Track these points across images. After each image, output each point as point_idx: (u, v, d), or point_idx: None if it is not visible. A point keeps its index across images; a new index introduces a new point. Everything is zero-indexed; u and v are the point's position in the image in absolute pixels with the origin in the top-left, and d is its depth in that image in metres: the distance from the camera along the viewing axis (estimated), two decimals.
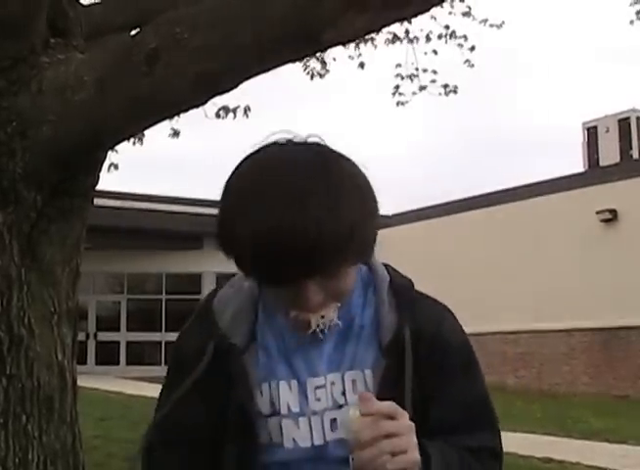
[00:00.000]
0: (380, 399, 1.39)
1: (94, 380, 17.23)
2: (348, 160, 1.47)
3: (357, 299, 1.59)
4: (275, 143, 1.48)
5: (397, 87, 10.19)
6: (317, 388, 1.55)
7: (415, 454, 1.38)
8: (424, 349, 1.54)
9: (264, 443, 1.54)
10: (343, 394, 1.54)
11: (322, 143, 1.48)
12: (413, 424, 1.39)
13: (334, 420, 1.53)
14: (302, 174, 1.39)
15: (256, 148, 1.48)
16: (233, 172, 1.46)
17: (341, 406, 1.53)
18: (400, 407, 1.40)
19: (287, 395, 1.55)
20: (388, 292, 1.59)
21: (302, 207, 1.35)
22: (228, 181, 1.45)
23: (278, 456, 1.54)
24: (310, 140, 1.48)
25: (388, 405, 1.37)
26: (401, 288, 1.61)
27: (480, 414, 1.58)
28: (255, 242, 1.36)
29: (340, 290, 1.48)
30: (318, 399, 1.54)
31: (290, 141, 1.48)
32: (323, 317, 1.47)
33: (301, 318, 1.47)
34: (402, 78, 10.07)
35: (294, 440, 1.54)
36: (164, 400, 1.59)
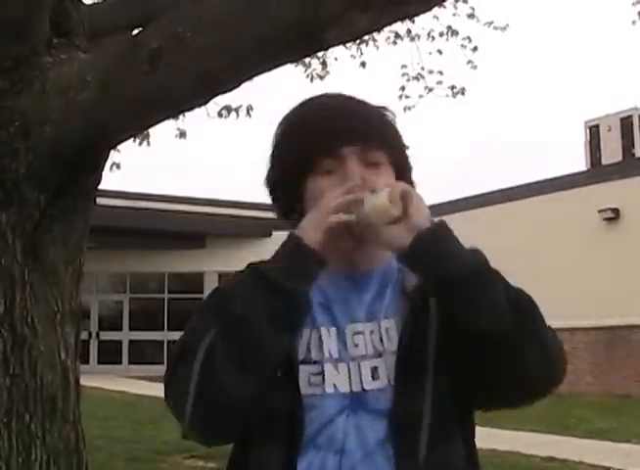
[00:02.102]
0: (405, 341, 1.54)
1: (97, 379, 17.25)
2: None
3: (394, 264, 1.65)
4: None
5: (403, 88, 10.14)
6: (356, 333, 1.60)
7: (404, 184, 1.56)
8: None
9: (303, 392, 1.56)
10: (381, 341, 1.59)
11: None
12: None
13: (375, 369, 1.57)
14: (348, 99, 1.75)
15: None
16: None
17: (380, 355, 1.58)
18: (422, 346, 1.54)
19: (327, 341, 1.59)
20: None
21: (349, 104, 1.72)
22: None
23: (318, 406, 1.55)
24: None
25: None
26: None
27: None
28: (316, 119, 1.67)
29: (377, 180, 1.62)
30: (356, 345, 1.59)
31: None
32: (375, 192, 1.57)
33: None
34: (408, 80, 10.00)
35: (334, 385, 1.57)
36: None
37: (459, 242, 1.51)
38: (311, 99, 1.75)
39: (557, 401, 17.73)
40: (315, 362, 1.58)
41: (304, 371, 1.57)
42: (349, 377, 1.57)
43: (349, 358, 1.58)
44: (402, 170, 1.71)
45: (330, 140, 1.62)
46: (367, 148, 1.64)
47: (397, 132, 1.76)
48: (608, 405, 16.05)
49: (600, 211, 19.43)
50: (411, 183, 1.70)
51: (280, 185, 1.70)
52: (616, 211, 19.28)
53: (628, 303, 17.98)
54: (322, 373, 1.58)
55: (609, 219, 19.42)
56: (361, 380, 1.57)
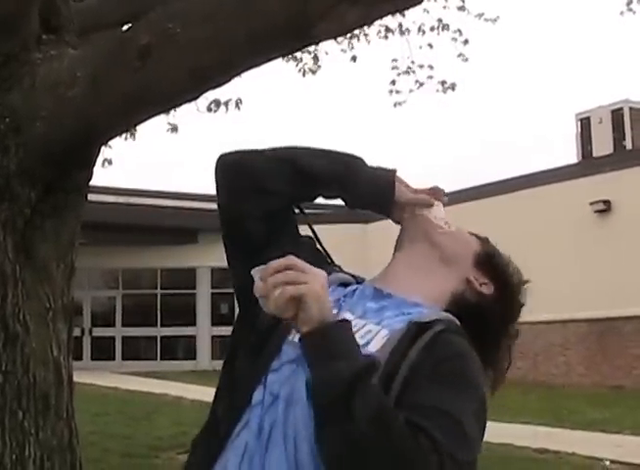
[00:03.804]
0: (389, 356, 1.53)
1: (90, 376, 17.22)
2: None
3: (424, 309, 1.69)
4: None
5: (394, 82, 10.13)
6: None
7: (315, 286, 1.46)
8: (440, 346, 1.58)
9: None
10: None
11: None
12: (323, 273, 1.50)
13: None
14: None
15: None
16: None
17: None
18: (392, 372, 1.51)
19: None
20: (447, 317, 1.68)
21: None
22: None
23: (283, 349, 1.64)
24: None
25: (286, 259, 1.49)
26: (458, 327, 1.68)
27: (438, 420, 1.47)
28: None
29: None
30: None
31: None
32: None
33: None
34: (399, 74, 10.01)
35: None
36: None
37: (337, 355, 1.46)
38: None
39: (549, 393, 17.82)
40: None
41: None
42: None
43: None
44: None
45: None
46: None
47: None
48: (600, 397, 16.11)
49: (591, 204, 19.45)
50: None
51: None
52: (607, 203, 19.30)
53: (620, 294, 18.02)
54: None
55: (600, 211, 19.44)
56: None
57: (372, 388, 1.44)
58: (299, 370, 1.58)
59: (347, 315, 1.64)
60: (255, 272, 1.50)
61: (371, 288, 1.75)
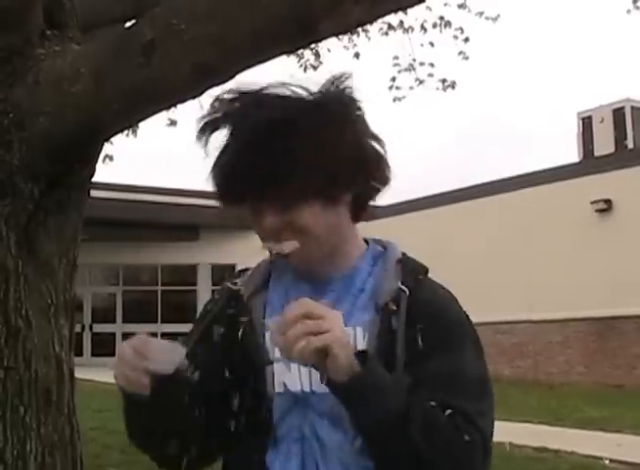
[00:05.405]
0: (376, 352, 1.52)
1: (90, 372, 17.20)
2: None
3: (363, 267, 1.68)
4: None
5: (394, 79, 10.13)
6: None
7: (337, 333, 1.43)
8: (418, 312, 1.60)
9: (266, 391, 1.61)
10: None
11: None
12: (339, 313, 1.46)
13: None
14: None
15: None
16: None
17: None
18: (389, 361, 1.52)
19: None
20: (397, 266, 1.68)
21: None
22: None
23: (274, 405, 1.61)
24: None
25: (300, 305, 1.43)
26: (411, 266, 1.69)
27: (457, 386, 1.54)
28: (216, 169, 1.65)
29: (297, 225, 1.58)
30: None
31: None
32: (282, 248, 1.61)
33: (263, 244, 1.65)
34: (400, 71, 10.00)
35: (284, 384, 1.60)
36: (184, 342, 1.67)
37: (372, 398, 1.46)
38: (243, 113, 1.65)
39: (549, 392, 17.81)
40: (272, 363, 1.63)
41: (269, 371, 1.62)
42: (300, 377, 1.59)
43: None
44: (333, 195, 1.62)
45: (234, 188, 1.62)
46: (282, 204, 1.58)
47: (330, 143, 1.59)
48: (600, 395, 16.12)
49: (592, 203, 19.45)
50: (360, 209, 1.70)
51: None
52: (608, 202, 19.30)
53: (621, 294, 18.03)
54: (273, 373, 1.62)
55: (601, 211, 19.44)
56: (311, 382, 1.58)
57: (414, 406, 1.47)
58: (308, 407, 1.59)
59: None
60: (272, 323, 1.48)
61: (303, 283, 1.67)
